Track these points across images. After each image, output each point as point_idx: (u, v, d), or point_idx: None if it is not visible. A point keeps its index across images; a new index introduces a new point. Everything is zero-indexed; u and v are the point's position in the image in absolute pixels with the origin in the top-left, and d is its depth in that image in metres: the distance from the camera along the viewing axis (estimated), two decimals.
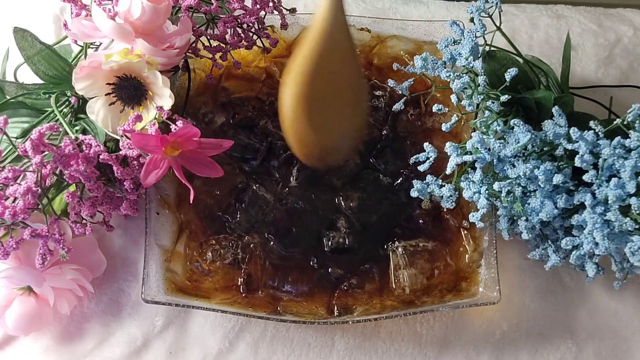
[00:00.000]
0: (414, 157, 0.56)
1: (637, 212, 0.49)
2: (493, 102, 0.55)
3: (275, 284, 0.59)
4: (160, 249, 0.58)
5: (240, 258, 0.59)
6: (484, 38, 0.57)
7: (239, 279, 0.59)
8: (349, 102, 0.57)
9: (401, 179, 0.62)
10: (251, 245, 0.60)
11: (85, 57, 0.58)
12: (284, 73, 0.55)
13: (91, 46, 0.59)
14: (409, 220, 0.61)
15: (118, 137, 0.53)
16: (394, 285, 0.59)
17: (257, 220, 0.61)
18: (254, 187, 0.62)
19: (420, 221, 0.61)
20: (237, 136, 0.63)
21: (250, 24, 0.60)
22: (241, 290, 0.59)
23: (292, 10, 0.63)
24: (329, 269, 0.60)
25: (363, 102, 0.59)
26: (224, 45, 0.59)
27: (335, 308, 0.58)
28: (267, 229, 0.61)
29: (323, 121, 0.56)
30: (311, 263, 0.60)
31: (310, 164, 0.61)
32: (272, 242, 0.60)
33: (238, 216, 0.61)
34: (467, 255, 0.60)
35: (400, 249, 0.59)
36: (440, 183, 0.55)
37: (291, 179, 0.62)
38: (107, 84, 0.53)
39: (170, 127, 0.51)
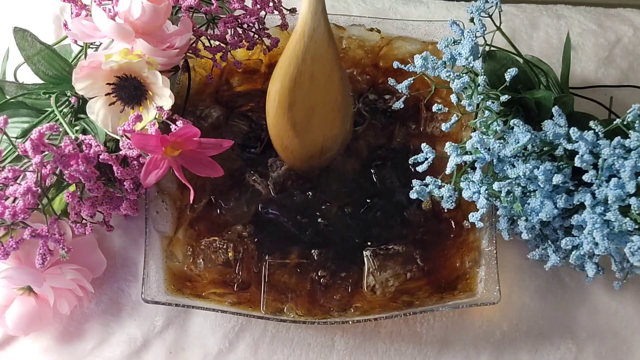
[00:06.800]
0: (412, 158, 0.56)
1: (637, 212, 0.49)
2: (493, 102, 0.55)
3: (266, 283, 0.59)
4: (160, 241, 0.58)
5: (233, 259, 0.59)
6: (484, 38, 0.57)
7: (234, 280, 0.59)
8: (333, 107, 0.57)
9: (396, 182, 0.62)
10: (244, 246, 0.59)
11: (85, 57, 0.58)
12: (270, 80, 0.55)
13: (91, 46, 0.59)
14: (401, 223, 0.61)
15: (118, 137, 0.53)
16: (365, 289, 0.58)
17: (244, 214, 0.61)
18: (250, 179, 0.62)
19: (423, 219, 0.61)
20: (238, 124, 0.63)
21: (251, 24, 0.60)
22: (235, 289, 0.58)
23: (292, 11, 0.63)
24: (315, 271, 0.59)
25: (348, 107, 0.59)
26: (224, 46, 0.59)
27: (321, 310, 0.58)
28: (253, 225, 0.61)
29: (306, 126, 0.56)
30: (297, 263, 0.60)
31: (294, 167, 0.61)
32: (255, 243, 0.60)
33: (231, 203, 0.61)
34: (467, 255, 0.60)
35: (369, 252, 0.59)
36: (439, 183, 0.55)
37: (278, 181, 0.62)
38: (107, 84, 0.53)
39: (170, 127, 0.51)
